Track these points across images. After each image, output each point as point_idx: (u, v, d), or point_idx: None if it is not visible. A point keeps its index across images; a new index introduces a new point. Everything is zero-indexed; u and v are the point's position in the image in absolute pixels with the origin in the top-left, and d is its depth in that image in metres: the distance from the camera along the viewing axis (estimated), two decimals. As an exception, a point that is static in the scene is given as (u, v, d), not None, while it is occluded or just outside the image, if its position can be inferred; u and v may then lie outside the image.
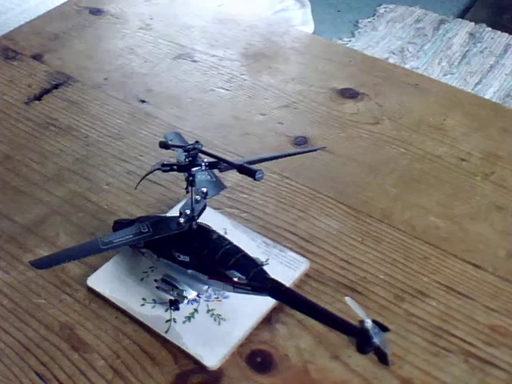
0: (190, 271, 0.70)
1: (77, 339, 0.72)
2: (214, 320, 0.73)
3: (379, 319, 0.72)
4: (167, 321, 0.73)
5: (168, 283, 0.72)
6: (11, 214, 0.85)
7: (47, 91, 1.07)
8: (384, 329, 0.57)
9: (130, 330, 0.72)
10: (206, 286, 0.72)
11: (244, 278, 0.66)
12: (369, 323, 0.57)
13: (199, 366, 0.69)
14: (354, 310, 0.58)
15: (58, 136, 0.98)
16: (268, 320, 0.73)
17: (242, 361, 0.69)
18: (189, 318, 0.73)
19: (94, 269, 0.78)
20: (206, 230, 0.71)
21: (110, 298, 0.75)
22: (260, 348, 0.71)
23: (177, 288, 0.71)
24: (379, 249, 0.81)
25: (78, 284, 0.77)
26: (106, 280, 0.77)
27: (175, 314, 0.73)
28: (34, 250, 0.81)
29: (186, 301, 0.72)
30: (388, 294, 0.76)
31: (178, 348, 0.70)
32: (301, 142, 0.97)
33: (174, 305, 0.73)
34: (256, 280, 0.66)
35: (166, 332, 0.72)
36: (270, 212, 0.85)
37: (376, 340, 0.56)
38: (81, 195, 0.88)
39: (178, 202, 0.85)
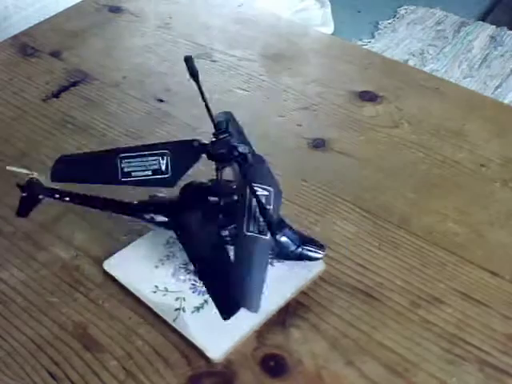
0: None
1: (90, 339, 0.71)
2: None
3: (395, 326, 0.72)
4: (176, 309, 0.73)
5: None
6: (27, 212, 0.85)
7: (65, 89, 1.07)
8: None
9: (143, 331, 0.72)
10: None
11: None
12: None
13: (212, 369, 0.68)
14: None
15: (75, 134, 0.98)
16: (282, 324, 0.72)
17: (256, 364, 0.69)
18: (198, 309, 0.73)
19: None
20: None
21: (123, 283, 0.75)
22: (273, 352, 0.70)
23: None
24: (396, 254, 0.80)
25: (91, 283, 0.77)
26: (122, 265, 0.78)
27: (185, 304, 0.73)
28: (49, 249, 0.81)
29: None
30: (404, 300, 0.75)
31: (184, 338, 0.71)
32: (319, 144, 0.96)
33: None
34: None
35: (174, 320, 0.72)
36: (286, 214, 0.85)
37: None
38: (96, 193, 0.88)
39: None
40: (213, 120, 0.65)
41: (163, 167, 0.68)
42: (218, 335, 0.71)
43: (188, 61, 0.64)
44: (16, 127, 1.00)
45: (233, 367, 0.69)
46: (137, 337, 0.71)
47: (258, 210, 0.65)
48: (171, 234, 0.76)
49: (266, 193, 0.67)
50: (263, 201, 0.65)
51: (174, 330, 0.72)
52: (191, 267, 0.75)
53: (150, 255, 0.78)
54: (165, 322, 0.72)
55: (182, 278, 0.76)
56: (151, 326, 0.72)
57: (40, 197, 0.75)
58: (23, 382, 0.68)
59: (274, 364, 0.69)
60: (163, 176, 0.68)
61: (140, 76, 1.10)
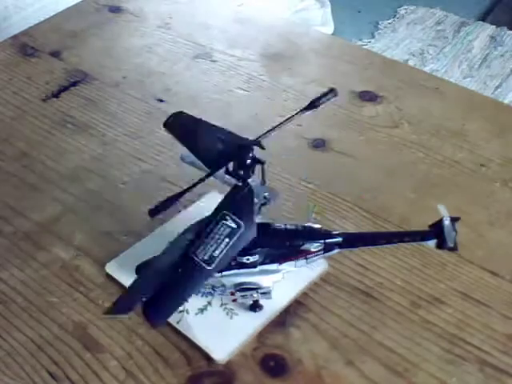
0: (258, 268, 0.69)
1: (90, 339, 0.71)
2: (227, 314, 0.73)
3: (395, 326, 0.72)
4: (180, 311, 0.73)
5: (245, 290, 0.71)
6: (26, 212, 0.85)
7: (65, 88, 1.07)
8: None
9: (143, 331, 0.72)
10: (278, 273, 0.71)
11: (320, 243, 0.68)
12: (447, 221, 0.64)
13: (212, 369, 0.68)
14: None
15: (75, 134, 0.98)
16: (282, 324, 0.72)
17: (256, 364, 0.69)
18: (201, 311, 0.73)
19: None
20: (263, 224, 0.69)
21: (126, 285, 0.74)
22: (273, 352, 0.70)
23: (255, 289, 0.71)
24: (396, 254, 0.80)
25: (91, 283, 0.77)
26: (124, 267, 0.77)
27: (189, 306, 0.73)
28: (49, 249, 0.81)
29: (271, 294, 0.72)
30: (404, 300, 0.75)
31: (188, 339, 0.71)
32: (319, 144, 0.96)
33: (256, 307, 0.73)
34: (328, 238, 0.69)
35: (178, 322, 0.72)
36: (286, 214, 0.85)
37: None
38: (97, 194, 0.88)
39: (194, 202, 0.84)
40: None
41: (233, 225, 0.64)
42: (222, 336, 0.71)
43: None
44: (16, 127, 1.00)
45: (233, 367, 0.69)
46: (137, 337, 0.71)
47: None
48: (172, 235, 0.76)
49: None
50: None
51: (174, 330, 0.72)
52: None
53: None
54: (166, 322, 0.72)
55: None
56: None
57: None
58: (23, 381, 0.68)
59: (274, 364, 0.69)
60: (240, 232, 0.64)
61: (140, 76, 1.10)
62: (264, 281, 0.71)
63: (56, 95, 1.06)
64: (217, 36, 1.21)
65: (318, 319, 0.73)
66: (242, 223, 0.64)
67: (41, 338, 0.71)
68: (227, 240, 0.63)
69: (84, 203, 0.87)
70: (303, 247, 0.68)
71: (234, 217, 0.64)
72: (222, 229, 0.63)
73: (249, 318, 0.72)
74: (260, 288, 0.71)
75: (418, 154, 0.95)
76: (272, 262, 0.69)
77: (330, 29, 2.61)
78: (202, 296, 0.74)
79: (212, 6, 1.31)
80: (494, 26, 2.85)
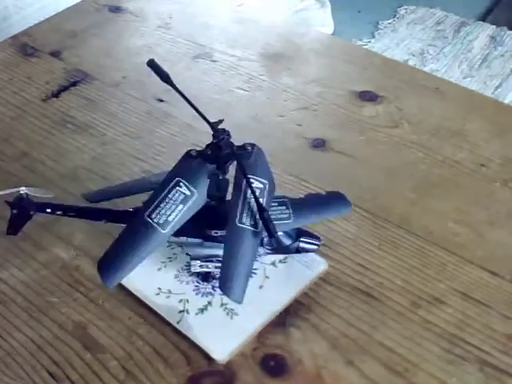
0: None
1: (90, 339, 0.71)
2: (227, 314, 0.73)
3: (395, 326, 0.72)
4: (180, 311, 0.73)
5: (210, 261, 0.73)
6: (27, 212, 0.85)
7: (65, 88, 1.07)
8: None
9: (143, 331, 0.72)
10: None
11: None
12: None
13: (212, 369, 0.68)
14: None
15: (75, 134, 0.98)
16: (282, 324, 0.72)
17: (255, 364, 0.69)
18: (202, 311, 0.73)
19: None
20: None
21: (126, 286, 0.75)
22: (273, 352, 0.70)
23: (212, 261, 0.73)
24: (396, 254, 0.80)
25: (91, 283, 0.77)
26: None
27: (189, 306, 0.73)
28: (49, 249, 0.81)
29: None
30: (404, 300, 0.75)
31: (188, 339, 0.71)
32: (319, 144, 0.96)
33: (210, 278, 0.75)
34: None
35: (178, 322, 0.72)
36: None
37: None
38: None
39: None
40: (207, 120, 0.65)
41: (187, 192, 0.66)
42: (223, 336, 0.71)
43: (152, 65, 0.64)
44: (16, 127, 0.99)
45: (233, 367, 0.69)
46: (137, 337, 0.71)
47: (252, 203, 0.65)
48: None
49: (260, 185, 0.66)
50: (257, 193, 0.65)
51: (175, 330, 0.72)
52: (193, 269, 0.75)
53: (151, 258, 0.78)
54: (165, 322, 0.72)
55: (185, 279, 0.76)
56: (151, 325, 0.72)
57: (31, 213, 0.74)
58: (23, 381, 0.68)
59: (274, 364, 0.69)
60: (193, 199, 0.66)
61: (140, 76, 1.10)
62: None
63: (56, 95, 1.06)
64: (217, 36, 1.21)
65: (318, 319, 0.73)
66: (195, 191, 0.66)
67: (41, 337, 0.71)
68: (181, 206, 0.66)
69: (84, 203, 0.86)
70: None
71: (187, 184, 0.66)
72: (176, 195, 0.66)
73: (249, 317, 0.72)
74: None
75: (418, 154, 0.95)
76: None
77: (330, 29, 2.61)
78: (202, 296, 0.74)
79: (212, 6, 1.31)
80: (494, 26, 2.85)
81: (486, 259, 0.80)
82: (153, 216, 0.66)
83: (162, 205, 0.66)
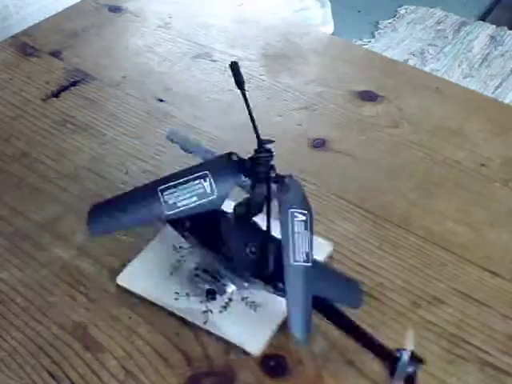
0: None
1: (90, 339, 0.71)
2: (250, 307, 0.73)
3: (395, 326, 0.72)
4: (204, 312, 0.73)
5: (209, 274, 0.72)
6: (26, 212, 0.85)
7: (65, 88, 1.07)
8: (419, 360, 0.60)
9: (143, 331, 0.72)
10: (247, 284, 0.71)
11: None
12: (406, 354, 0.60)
13: (212, 369, 0.68)
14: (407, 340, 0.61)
15: (75, 134, 0.98)
16: (282, 324, 0.72)
17: (256, 364, 0.69)
18: (225, 308, 0.73)
19: (108, 267, 0.78)
20: (258, 229, 0.69)
21: (143, 295, 0.75)
22: (274, 352, 0.70)
23: (218, 281, 0.72)
24: (397, 254, 0.80)
25: (91, 283, 0.77)
26: (136, 277, 0.77)
27: (211, 305, 0.73)
28: (49, 248, 0.81)
29: (225, 294, 0.73)
30: (404, 300, 0.75)
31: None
32: (319, 144, 0.96)
33: (211, 295, 0.73)
34: None
35: (205, 323, 0.72)
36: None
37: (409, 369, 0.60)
38: (96, 194, 0.88)
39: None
40: (258, 136, 0.65)
41: (208, 189, 0.65)
42: (252, 329, 0.71)
43: (234, 67, 0.63)
44: (16, 127, 0.99)
45: (233, 367, 0.69)
46: (137, 337, 0.71)
47: (298, 237, 0.65)
48: (174, 239, 0.76)
49: (303, 218, 0.66)
50: (302, 226, 0.65)
51: (175, 330, 0.72)
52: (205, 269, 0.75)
53: (161, 263, 0.78)
54: (165, 322, 0.72)
55: (198, 280, 0.75)
56: (151, 325, 0.72)
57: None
58: (23, 381, 0.68)
59: (274, 364, 0.69)
60: (209, 198, 0.65)
61: (140, 76, 1.10)
62: (231, 282, 0.73)
63: (56, 95, 1.06)
64: (217, 36, 1.21)
65: (318, 319, 0.73)
66: (216, 191, 0.65)
67: (41, 337, 0.71)
68: (195, 198, 0.65)
69: (84, 203, 0.86)
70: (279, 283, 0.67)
71: (212, 182, 0.65)
72: (197, 186, 0.65)
73: (272, 308, 0.72)
74: (222, 284, 0.72)
75: (419, 154, 0.95)
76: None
77: (330, 28, 2.61)
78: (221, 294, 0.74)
79: (212, 6, 1.31)
80: (494, 26, 2.85)
81: (486, 259, 0.80)
82: (165, 193, 0.65)
83: (179, 187, 0.65)
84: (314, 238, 0.77)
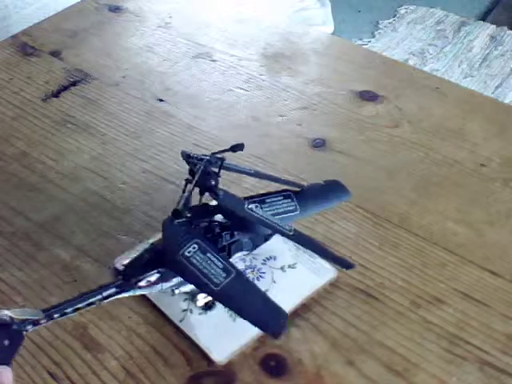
0: None
1: (90, 339, 0.71)
2: (230, 316, 0.73)
3: (395, 326, 0.72)
4: (184, 310, 0.73)
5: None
6: (26, 212, 0.85)
7: (65, 88, 1.07)
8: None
9: (143, 331, 0.72)
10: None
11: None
12: None
13: (212, 369, 0.68)
14: None
15: (75, 133, 0.98)
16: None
17: (256, 364, 0.69)
18: (205, 311, 0.73)
19: (108, 267, 0.78)
20: None
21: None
22: (274, 352, 0.70)
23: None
24: (397, 254, 0.80)
25: (91, 283, 0.77)
26: None
27: (193, 306, 0.73)
28: (49, 248, 0.81)
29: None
30: (404, 300, 0.75)
31: (189, 339, 0.71)
32: (319, 144, 0.96)
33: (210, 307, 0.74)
34: None
35: (181, 321, 0.72)
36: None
37: None
38: (96, 193, 0.88)
39: (194, 203, 0.84)
40: None
41: (292, 206, 0.73)
42: (224, 338, 0.71)
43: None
44: (16, 127, 0.99)
45: (233, 367, 0.69)
46: (137, 337, 0.71)
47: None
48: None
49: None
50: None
51: (175, 330, 0.72)
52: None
53: None
54: (167, 321, 0.72)
55: None
56: (151, 325, 0.72)
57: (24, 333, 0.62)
58: (23, 382, 0.68)
59: (274, 364, 0.69)
60: (294, 213, 0.73)
61: (140, 76, 1.10)
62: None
63: (56, 95, 1.06)
64: (217, 36, 1.21)
65: (318, 319, 0.73)
66: (299, 208, 0.72)
67: (41, 338, 0.71)
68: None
69: (84, 203, 0.87)
70: None
71: (295, 200, 0.73)
72: (283, 203, 0.72)
73: None
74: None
75: (419, 154, 0.95)
76: None
77: (330, 28, 2.61)
78: (207, 295, 0.74)
79: (212, 6, 1.31)
80: (494, 26, 2.85)
81: (486, 259, 0.80)
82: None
83: (266, 202, 0.71)
84: (319, 260, 0.77)
